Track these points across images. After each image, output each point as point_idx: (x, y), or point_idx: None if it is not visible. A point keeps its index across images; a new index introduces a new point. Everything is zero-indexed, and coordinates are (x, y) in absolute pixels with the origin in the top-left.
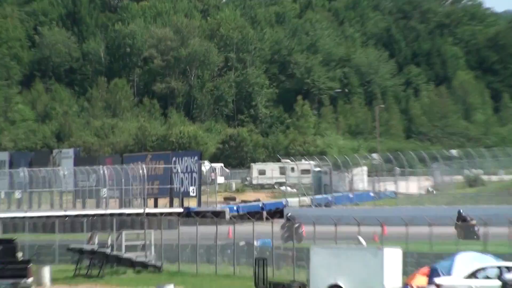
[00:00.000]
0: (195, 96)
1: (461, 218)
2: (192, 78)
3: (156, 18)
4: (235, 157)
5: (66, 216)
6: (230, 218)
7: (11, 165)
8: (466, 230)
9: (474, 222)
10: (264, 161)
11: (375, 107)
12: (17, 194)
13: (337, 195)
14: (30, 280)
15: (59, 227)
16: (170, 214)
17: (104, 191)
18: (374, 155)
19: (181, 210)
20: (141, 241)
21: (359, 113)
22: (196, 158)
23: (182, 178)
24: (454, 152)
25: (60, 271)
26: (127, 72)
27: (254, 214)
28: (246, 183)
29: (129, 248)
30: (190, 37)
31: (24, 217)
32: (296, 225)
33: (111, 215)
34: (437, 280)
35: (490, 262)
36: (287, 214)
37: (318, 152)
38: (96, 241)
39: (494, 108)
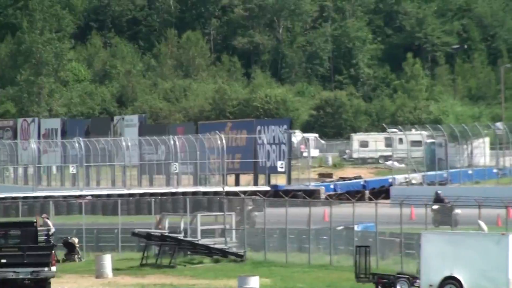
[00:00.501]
0: (283, 53)
1: (438, 200)
2: (280, 31)
3: None
4: (331, 126)
5: (130, 195)
6: (326, 198)
7: (64, 135)
8: (442, 214)
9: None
10: (366, 131)
11: (500, 67)
12: (72, 169)
13: (454, 171)
14: (53, 269)
15: (122, 208)
16: (254, 193)
17: (175, 166)
18: (498, 124)
19: (267, 188)
20: (220, 225)
21: (480, 74)
22: (285, 127)
23: (268, 151)
24: None
25: (123, 260)
26: (202, 23)
27: (354, 194)
28: (345, 157)
29: (205, 233)
30: None
31: (80, 196)
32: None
33: (184, 194)
34: None
35: None
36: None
37: (431, 121)
38: (166, 225)
39: None
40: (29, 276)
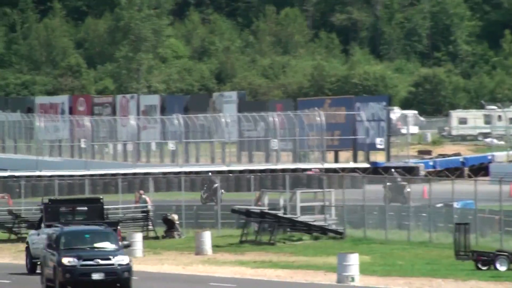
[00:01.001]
0: (382, 30)
1: (391, 179)
2: (378, 8)
3: None
4: (430, 103)
5: (230, 172)
6: (425, 175)
7: (163, 111)
8: (394, 192)
9: (404, 183)
10: (465, 107)
11: None
12: (171, 146)
13: None
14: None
15: (221, 185)
16: (353, 170)
17: (275, 143)
18: None
19: (366, 165)
20: (319, 202)
21: None
22: (384, 103)
23: (367, 128)
24: None
25: (223, 236)
26: (300, 0)
27: (453, 171)
28: (444, 133)
29: (305, 210)
30: None
31: (179, 173)
32: None
33: (283, 171)
34: None
35: None
36: None
37: None
38: (266, 201)
39: None
40: None
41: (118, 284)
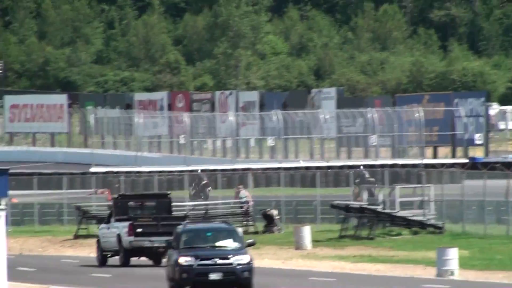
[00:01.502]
0: (480, 26)
1: (360, 176)
2: (476, 4)
3: None
4: None
5: (329, 167)
6: None
7: (262, 107)
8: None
9: (372, 179)
10: None
11: None
12: (270, 142)
13: None
14: None
15: (321, 181)
16: (452, 165)
17: (373, 138)
18: None
19: (465, 160)
20: (418, 197)
21: None
22: (482, 99)
23: (466, 123)
24: None
25: (322, 231)
26: None
27: None
28: None
29: (404, 205)
30: None
31: (278, 169)
32: None
33: (382, 166)
34: None
35: None
36: None
37: None
38: (365, 197)
39: None
40: (163, 244)
41: (241, 285)
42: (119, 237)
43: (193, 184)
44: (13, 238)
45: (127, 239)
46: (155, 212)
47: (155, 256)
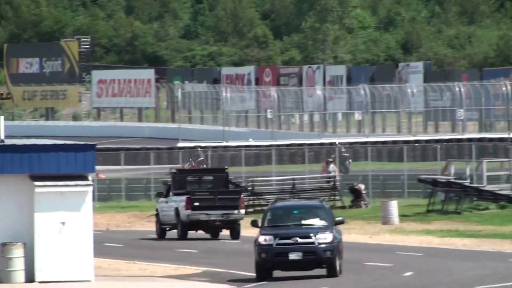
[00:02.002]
0: None
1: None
2: None
3: None
4: None
5: (416, 141)
6: None
7: (349, 81)
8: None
9: (347, 155)
10: None
11: None
12: (357, 116)
13: None
14: (242, 211)
15: (408, 155)
16: None
17: (461, 112)
18: None
19: None
20: (506, 171)
21: None
22: None
23: None
24: None
25: (409, 206)
26: None
27: None
28: None
29: (491, 179)
30: None
31: (366, 143)
32: None
33: (469, 140)
34: None
35: None
36: None
37: None
38: (452, 171)
39: None
40: (220, 218)
41: (323, 265)
42: (177, 210)
43: (190, 160)
44: (100, 214)
45: (184, 213)
46: (212, 187)
47: (212, 229)
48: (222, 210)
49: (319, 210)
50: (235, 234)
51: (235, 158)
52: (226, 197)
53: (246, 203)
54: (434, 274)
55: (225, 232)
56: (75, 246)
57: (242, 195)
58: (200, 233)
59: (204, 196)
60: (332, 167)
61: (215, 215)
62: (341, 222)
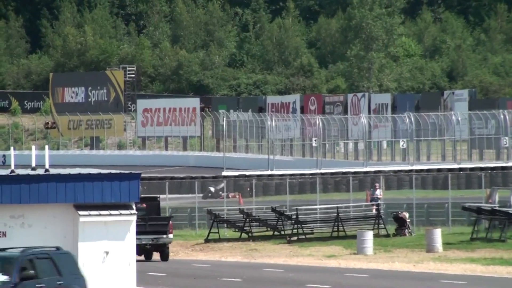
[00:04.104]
0: None
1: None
2: None
3: None
4: None
5: (460, 169)
6: None
7: (395, 109)
8: None
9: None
10: None
11: None
12: (402, 144)
13: None
14: (170, 236)
15: (452, 183)
16: None
17: (505, 140)
18: None
19: None
20: None
21: None
22: None
23: None
24: None
25: (453, 234)
26: None
27: None
28: None
29: None
30: None
31: (410, 171)
32: None
33: None
34: None
35: None
36: None
37: None
38: (497, 199)
39: None
40: (150, 242)
41: None
42: None
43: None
44: None
45: None
46: (146, 214)
47: (144, 252)
48: (152, 235)
49: (4, 263)
50: (165, 257)
51: (280, 186)
52: (156, 223)
53: (289, 231)
54: None
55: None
56: (118, 275)
57: (171, 221)
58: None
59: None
60: (379, 192)
61: (146, 239)
62: (30, 277)
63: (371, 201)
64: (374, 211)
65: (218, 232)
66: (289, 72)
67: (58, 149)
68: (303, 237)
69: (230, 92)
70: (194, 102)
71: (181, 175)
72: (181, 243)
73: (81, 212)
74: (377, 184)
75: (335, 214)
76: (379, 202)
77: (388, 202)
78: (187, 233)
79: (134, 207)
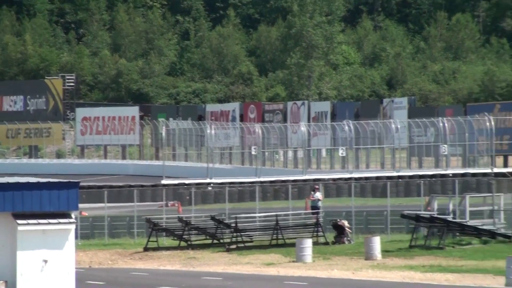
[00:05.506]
0: None
1: None
2: None
3: None
4: None
5: (399, 177)
6: None
7: (334, 117)
8: None
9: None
10: None
11: None
12: (341, 152)
13: None
14: None
15: (391, 191)
16: None
17: (444, 148)
18: None
19: None
20: (489, 206)
21: None
22: None
23: None
24: None
25: (392, 242)
26: (472, 5)
27: None
28: None
29: (474, 215)
30: None
31: (349, 179)
32: None
33: (453, 176)
34: None
35: None
36: None
37: None
38: (435, 206)
39: None
40: None
41: None
42: None
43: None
44: (82, 251)
45: None
46: None
47: None
48: None
49: None
50: None
51: (219, 195)
52: None
53: (228, 240)
54: None
55: None
56: (57, 284)
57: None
58: None
59: None
60: (318, 194)
61: None
62: None
63: (311, 205)
64: (311, 212)
65: (157, 241)
66: (229, 80)
67: None
68: (242, 245)
69: (169, 100)
70: (133, 111)
71: (120, 184)
72: (120, 251)
73: (19, 221)
74: (317, 187)
75: (275, 222)
76: (320, 204)
77: (327, 210)
78: (126, 241)
79: (73, 215)
